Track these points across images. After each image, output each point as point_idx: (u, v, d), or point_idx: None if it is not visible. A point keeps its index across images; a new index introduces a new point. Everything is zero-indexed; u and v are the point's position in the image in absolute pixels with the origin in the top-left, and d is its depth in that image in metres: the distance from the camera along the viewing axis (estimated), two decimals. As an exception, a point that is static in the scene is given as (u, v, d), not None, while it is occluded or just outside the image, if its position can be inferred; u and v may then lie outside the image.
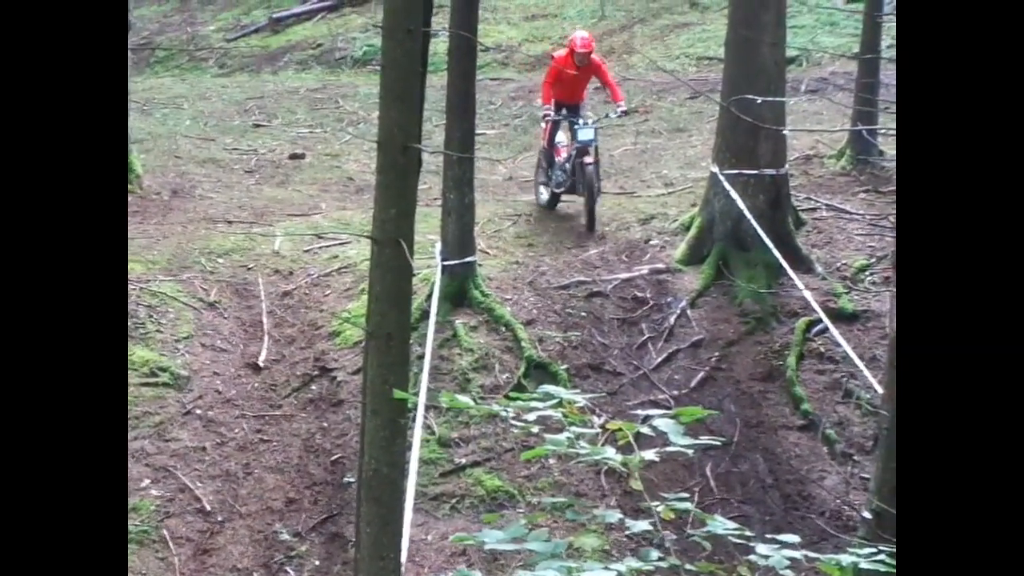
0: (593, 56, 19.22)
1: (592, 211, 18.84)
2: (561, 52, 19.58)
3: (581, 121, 19.09)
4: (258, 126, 26.04)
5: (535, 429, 5.11)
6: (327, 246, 19.14)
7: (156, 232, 19.49)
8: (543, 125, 19.92)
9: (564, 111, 19.36)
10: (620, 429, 5.23)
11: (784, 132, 17.67)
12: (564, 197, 19.57)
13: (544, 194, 19.79)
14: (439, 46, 20.91)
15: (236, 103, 27.11)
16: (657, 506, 5.07)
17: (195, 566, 14.56)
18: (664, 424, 5.21)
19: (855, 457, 15.38)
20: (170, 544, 14.68)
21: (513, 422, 5.07)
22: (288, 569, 14.63)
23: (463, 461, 15.52)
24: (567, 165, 19.08)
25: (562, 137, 19.51)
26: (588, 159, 18.65)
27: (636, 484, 5.08)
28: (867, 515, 10.40)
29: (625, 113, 20.04)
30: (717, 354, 16.74)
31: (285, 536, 14.91)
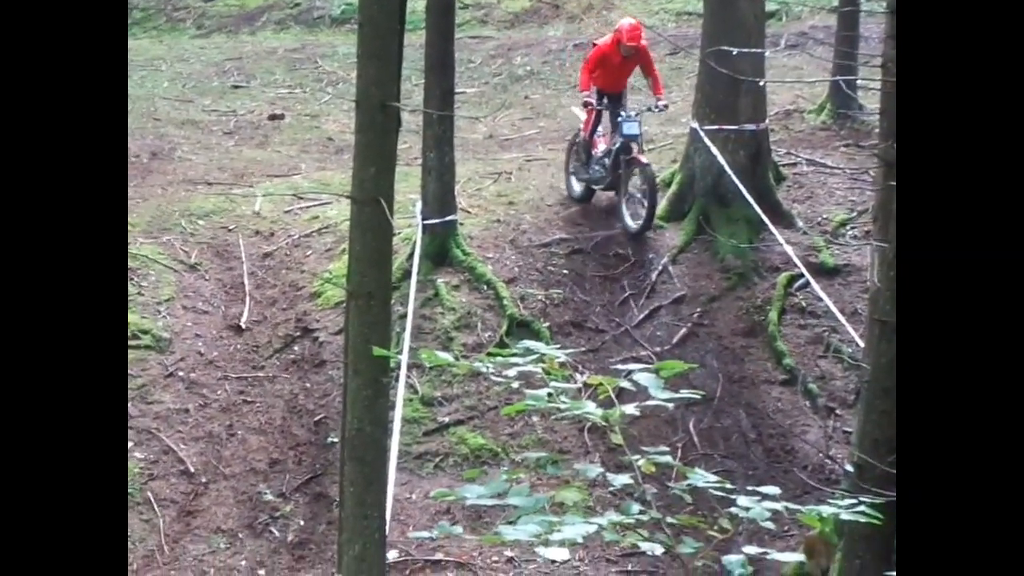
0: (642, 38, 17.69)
1: (652, 214, 17.28)
2: (605, 39, 17.96)
3: (624, 113, 17.59)
4: (237, 87, 25.94)
5: (516, 385, 5.11)
6: (307, 207, 19.11)
7: (136, 195, 19.43)
8: (580, 115, 18.56)
9: (605, 100, 17.91)
10: (601, 384, 5.24)
11: (763, 86, 17.64)
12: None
13: (576, 187, 18.37)
14: (417, 3, 20.83)
15: (214, 64, 27.01)
16: (638, 460, 5.08)
17: (180, 527, 14.59)
18: (645, 379, 5.22)
19: (837, 411, 15.44)
20: (155, 506, 14.71)
21: (494, 378, 5.08)
22: (273, 529, 14.66)
23: (446, 420, 15.56)
24: (606, 160, 17.63)
25: (601, 129, 18.09)
26: (642, 158, 17.36)
27: (617, 438, 5.09)
28: (849, 468, 10.45)
29: (665, 107, 18.23)
30: (699, 310, 16.76)
31: (269, 496, 14.94)
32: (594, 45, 18.12)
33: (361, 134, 10.83)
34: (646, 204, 17.16)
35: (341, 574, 10.59)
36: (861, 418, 9.78)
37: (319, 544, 14.33)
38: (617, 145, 17.42)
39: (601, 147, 17.85)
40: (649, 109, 17.98)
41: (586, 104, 17.77)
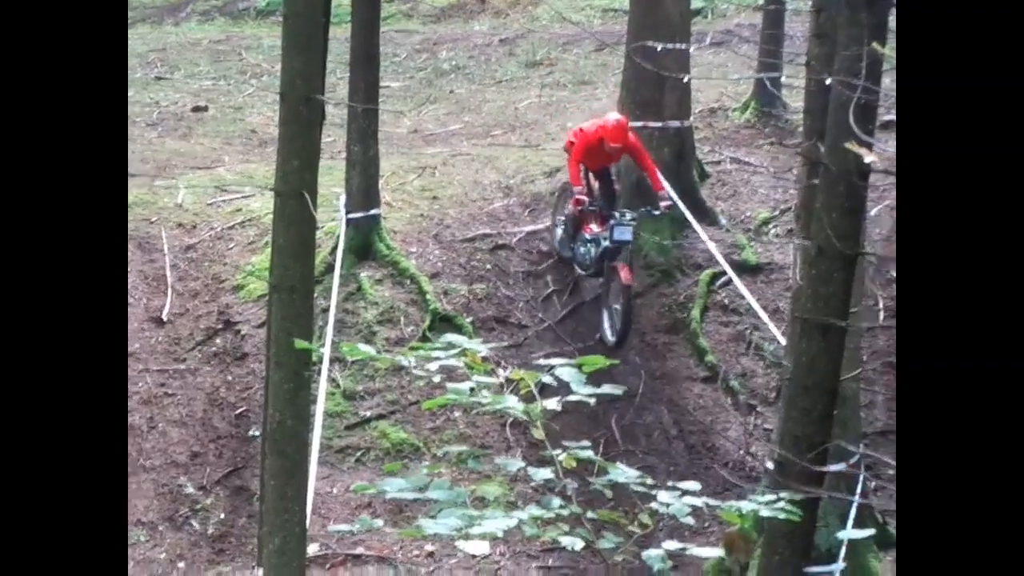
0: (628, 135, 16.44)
1: (626, 334, 16.03)
2: (586, 125, 16.83)
3: (619, 215, 16.20)
4: (160, 79, 25.74)
5: (437, 379, 5.12)
6: (231, 199, 18.99)
7: (57, 185, 19.24)
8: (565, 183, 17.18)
9: (591, 175, 16.77)
10: (523, 379, 5.24)
11: (688, 83, 17.69)
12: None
13: (560, 236, 17.28)
14: (343, -3, 20.75)
15: (138, 55, 26.79)
16: (559, 454, 5.09)
17: (98, 521, 14.49)
18: (567, 374, 5.23)
19: (758, 408, 15.53)
20: (73, 499, 14.59)
21: (416, 372, 5.07)
22: (193, 522, 14.59)
23: (368, 414, 15.53)
24: (592, 250, 16.40)
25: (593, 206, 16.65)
26: (624, 274, 15.88)
27: (538, 433, 5.10)
28: (769, 465, 10.51)
29: (668, 209, 16.48)
30: (622, 306, 16.78)
31: (190, 489, 14.86)
32: (580, 131, 16.67)
33: (285, 127, 10.79)
34: (619, 325, 15.97)
35: (261, 567, 10.56)
36: (782, 415, 9.85)
37: (239, 537, 14.27)
38: (607, 244, 16.16)
39: (591, 233, 16.52)
40: (648, 210, 16.49)
41: (578, 203, 16.33)
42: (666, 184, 16.60)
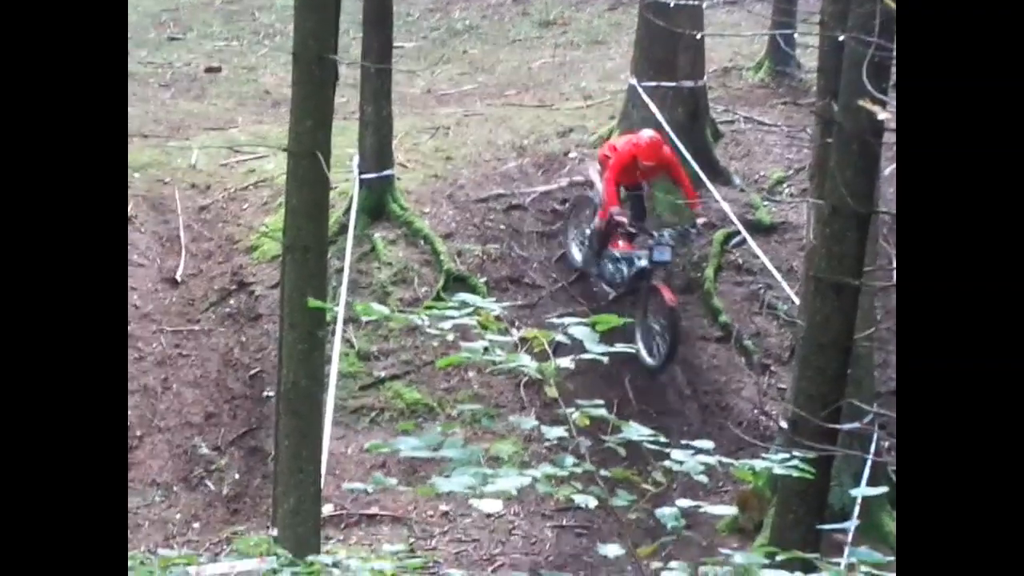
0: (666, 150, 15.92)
1: (672, 356, 15.37)
2: (618, 142, 16.24)
3: (657, 235, 15.65)
4: (173, 39, 25.69)
5: (451, 338, 5.11)
6: (244, 160, 18.98)
7: (70, 146, 19.25)
8: (595, 180, 16.51)
9: (625, 193, 16.11)
10: (536, 337, 5.24)
11: (701, 42, 17.63)
12: None
13: (578, 255, 16.60)
14: (356, -43, 20.69)
15: (151, 16, 26.73)
16: (572, 412, 5.09)
17: (114, 481, 14.53)
18: (580, 332, 5.23)
19: (772, 368, 15.53)
20: (88, 459, 14.63)
21: (429, 331, 5.07)
22: (208, 483, 14.63)
23: (382, 374, 15.55)
24: (624, 270, 15.78)
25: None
26: (668, 295, 15.37)
27: (552, 392, 5.10)
28: (783, 424, 10.52)
29: (705, 226, 16.33)
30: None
31: (204, 450, 14.91)
32: (612, 150, 16.00)
33: (298, 87, 10.79)
34: (665, 346, 15.30)
35: (276, 527, 10.58)
36: (796, 374, 9.85)
37: (254, 498, 14.32)
38: (642, 264, 15.57)
39: (620, 250, 15.89)
40: (685, 229, 16.04)
41: (617, 224, 15.65)
42: (701, 203, 16.20)
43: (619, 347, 5.38)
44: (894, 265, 15.82)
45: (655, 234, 15.62)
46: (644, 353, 15.34)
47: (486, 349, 5.00)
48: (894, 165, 16.89)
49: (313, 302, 7.70)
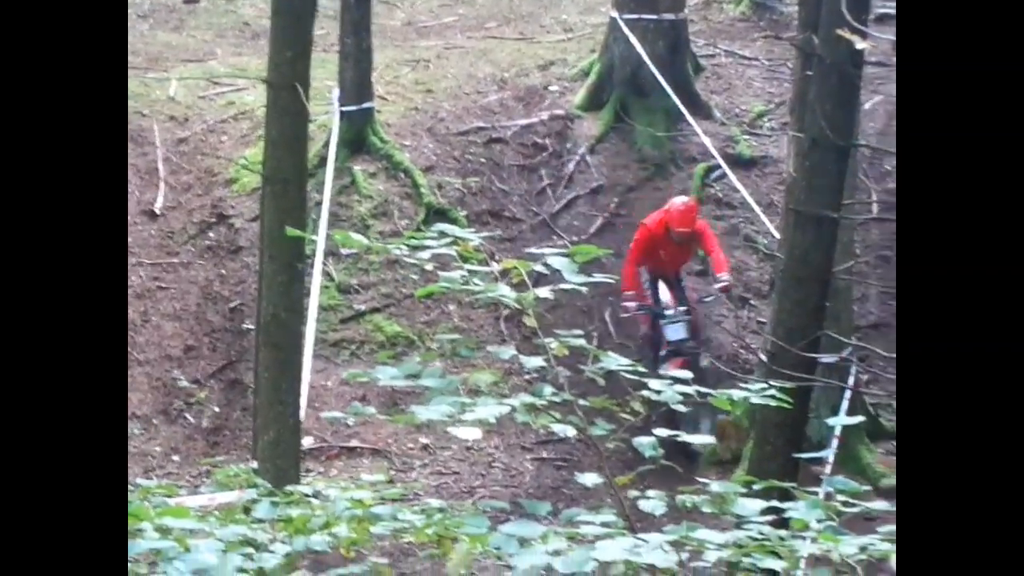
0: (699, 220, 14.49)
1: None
2: (648, 219, 14.50)
3: (668, 313, 14.23)
4: (151, -30, 25.55)
5: (430, 267, 5.11)
6: (223, 92, 18.92)
7: (48, 78, 19.17)
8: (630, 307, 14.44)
9: (658, 283, 14.51)
10: (515, 268, 5.24)
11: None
12: None
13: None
14: None
15: (129, -54, 26.58)
16: (551, 342, 5.10)
17: (94, 413, 14.55)
18: (559, 263, 5.22)
19: (751, 301, 15.56)
20: (68, 392, 14.65)
21: (408, 260, 5.07)
22: (187, 415, 14.65)
23: (363, 307, 15.57)
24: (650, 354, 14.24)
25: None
26: (676, 365, 13.05)
27: (530, 321, 5.11)
28: (762, 356, 10.55)
29: (725, 290, 14.49)
30: (616, 200, 16.79)
31: (184, 383, 14.93)
32: (641, 226, 14.48)
33: (277, 17, 10.76)
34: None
35: (256, 460, 10.62)
36: (775, 307, 9.87)
37: (234, 430, 14.35)
38: (664, 354, 14.11)
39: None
40: (701, 300, 14.99)
41: (639, 308, 14.30)
42: (727, 267, 14.57)
43: (597, 277, 5.39)
44: (874, 198, 15.89)
45: (666, 314, 14.20)
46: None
47: (465, 279, 5.00)
48: (875, 98, 16.95)
49: (292, 231, 7.70)
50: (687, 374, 5.36)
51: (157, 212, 16.80)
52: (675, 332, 14.12)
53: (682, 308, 14.29)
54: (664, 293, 14.41)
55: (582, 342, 5.24)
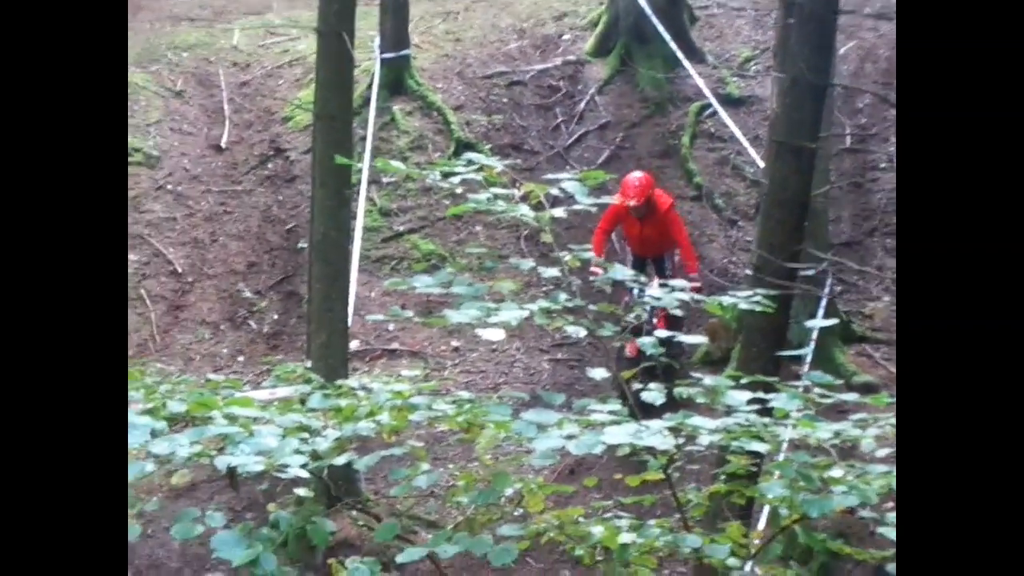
0: (660, 200, 12.60)
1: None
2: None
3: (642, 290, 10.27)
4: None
5: (459, 191, 5.10)
6: (279, 41, 18.86)
7: (128, 29, 19.12)
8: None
9: (646, 269, 12.81)
10: (533, 191, 5.24)
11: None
12: None
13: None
14: None
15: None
16: (565, 256, 5.10)
17: (169, 320, 14.60)
18: (572, 186, 5.22)
19: (739, 222, 15.50)
20: (147, 301, 14.69)
21: (441, 184, 5.06)
22: (250, 322, 14.68)
23: (401, 228, 15.55)
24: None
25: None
26: (630, 347, 10.93)
27: (547, 237, 5.10)
28: (749, 271, 10.53)
29: (696, 291, 7.95)
30: (621, 134, 16.72)
31: (247, 294, 14.94)
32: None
33: (325, -26, 10.69)
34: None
35: (309, 360, 10.65)
36: (760, 227, 9.81)
37: (290, 335, 14.37)
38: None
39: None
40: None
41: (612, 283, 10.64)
42: (698, 268, 12.74)
43: (605, 199, 5.38)
44: (847, 132, 15.79)
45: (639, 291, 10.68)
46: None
47: (490, 199, 4.99)
48: (849, 43, 16.82)
49: (340, 159, 7.68)
50: (665, 333, 5.23)
51: (223, 146, 16.79)
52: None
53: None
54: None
55: (591, 255, 5.23)
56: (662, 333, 5.14)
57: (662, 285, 4.71)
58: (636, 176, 12.58)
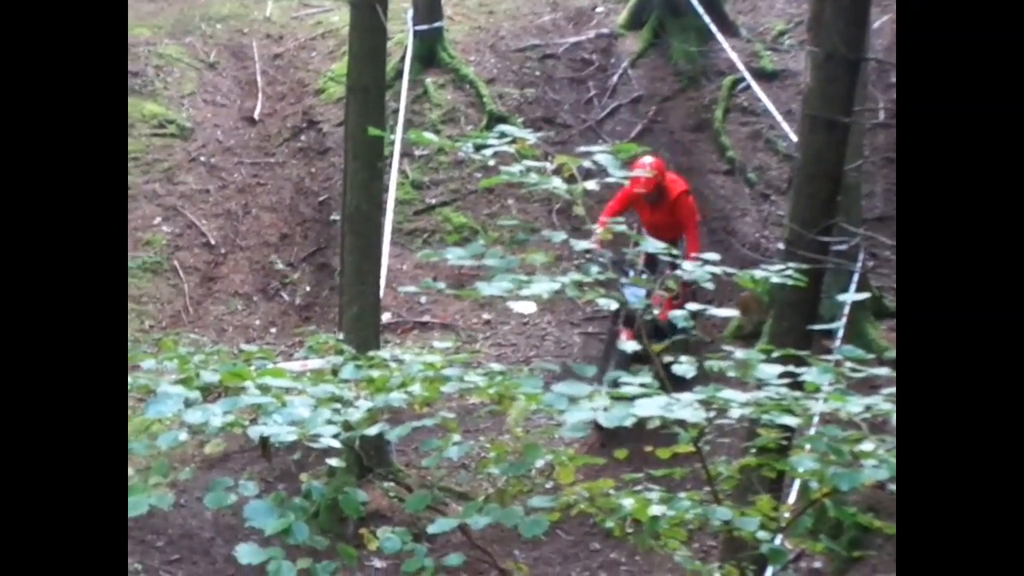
0: (672, 185, 12.35)
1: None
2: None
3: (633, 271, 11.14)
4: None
5: (492, 163, 5.09)
6: (312, 13, 18.87)
7: (162, 0, 19.16)
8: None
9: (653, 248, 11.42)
10: (565, 163, 5.22)
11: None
12: None
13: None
14: None
15: None
16: (596, 228, 5.09)
17: (202, 291, 14.66)
18: (604, 159, 5.20)
19: (772, 197, 15.45)
20: (180, 273, 14.75)
21: (473, 156, 5.05)
22: (283, 294, 14.73)
23: (433, 201, 15.56)
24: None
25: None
26: (624, 335, 11.23)
27: (579, 209, 5.09)
28: (780, 246, 10.50)
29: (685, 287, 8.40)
30: (654, 108, 16.68)
31: (280, 266, 14.99)
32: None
33: (359, -54, 10.68)
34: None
35: (341, 332, 10.68)
36: (792, 201, 9.78)
37: (322, 307, 14.42)
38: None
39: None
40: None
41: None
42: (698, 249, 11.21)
43: (636, 172, 5.36)
44: (880, 106, 15.71)
45: (630, 273, 10.81)
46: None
47: (522, 172, 4.98)
48: (884, 17, 16.71)
49: (373, 131, 7.67)
50: (632, 345, 5.02)
51: (256, 118, 16.82)
52: (632, 294, 9.37)
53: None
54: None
55: (624, 228, 5.22)
56: (677, 313, 5.07)
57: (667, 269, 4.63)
58: (646, 162, 12.05)
